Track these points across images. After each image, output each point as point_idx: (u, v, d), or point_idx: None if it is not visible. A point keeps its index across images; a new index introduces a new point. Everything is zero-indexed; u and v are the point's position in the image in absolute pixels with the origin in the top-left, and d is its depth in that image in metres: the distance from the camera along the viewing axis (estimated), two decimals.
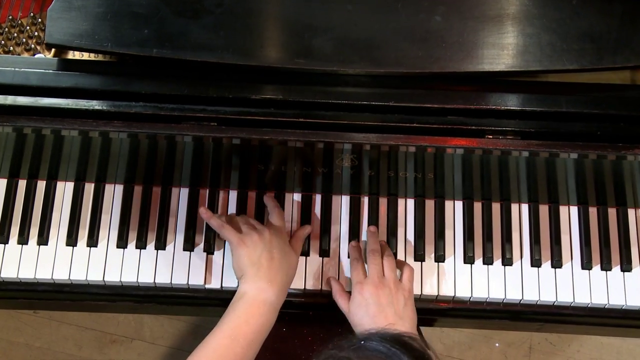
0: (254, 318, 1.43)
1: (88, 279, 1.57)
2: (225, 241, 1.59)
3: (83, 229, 1.60)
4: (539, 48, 1.40)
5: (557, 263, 1.60)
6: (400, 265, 1.58)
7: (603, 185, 1.57)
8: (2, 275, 1.57)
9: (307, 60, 1.39)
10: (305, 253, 1.60)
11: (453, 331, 2.53)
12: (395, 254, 1.59)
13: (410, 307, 1.50)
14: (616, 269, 1.60)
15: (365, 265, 1.55)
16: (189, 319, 2.53)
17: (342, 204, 1.63)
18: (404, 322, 1.46)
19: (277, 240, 1.50)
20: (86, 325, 2.56)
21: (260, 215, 1.61)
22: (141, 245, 1.59)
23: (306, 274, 1.59)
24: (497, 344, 2.55)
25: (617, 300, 1.58)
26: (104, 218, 1.61)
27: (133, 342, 2.54)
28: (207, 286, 1.58)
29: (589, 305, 1.59)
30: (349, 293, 1.54)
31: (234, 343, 1.39)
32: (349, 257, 1.59)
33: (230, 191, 1.63)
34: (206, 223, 1.59)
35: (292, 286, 1.57)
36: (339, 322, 1.69)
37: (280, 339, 1.67)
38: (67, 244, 1.59)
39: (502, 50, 1.40)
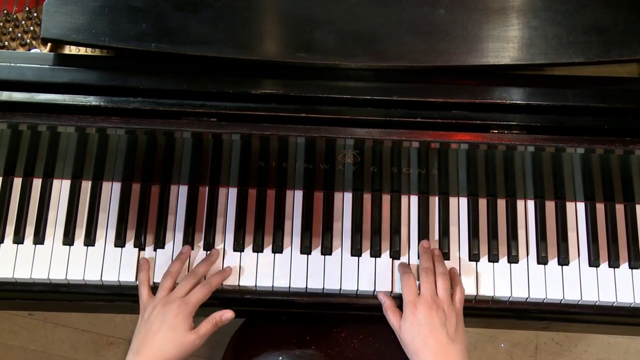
0: None
1: (85, 278, 1.57)
2: (224, 238, 1.60)
3: (80, 227, 1.61)
4: (545, 41, 1.41)
5: (564, 260, 1.60)
6: (453, 284, 1.56)
7: (610, 181, 1.58)
8: None
9: (309, 54, 1.40)
10: (307, 251, 1.60)
11: None
12: (397, 252, 1.59)
13: (462, 330, 1.50)
14: (624, 266, 1.61)
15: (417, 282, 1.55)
16: None
17: (344, 200, 1.63)
18: (455, 345, 1.45)
19: (161, 315, 1.47)
20: (82, 327, 2.57)
21: (261, 215, 1.62)
22: (139, 244, 1.60)
23: (308, 273, 1.59)
24: (502, 345, 2.56)
25: (625, 297, 1.59)
26: (102, 217, 1.62)
27: (130, 344, 2.54)
28: None
29: (596, 303, 1.59)
30: (400, 310, 1.53)
31: None
32: (352, 254, 1.60)
33: (230, 188, 1.64)
34: (206, 220, 1.60)
35: (294, 285, 1.58)
36: (340, 323, 1.71)
37: (280, 339, 1.68)
38: (64, 243, 1.60)
39: (507, 43, 1.41)
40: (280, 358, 1.16)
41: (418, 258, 1.60)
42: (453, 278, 1.58)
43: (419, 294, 1.52)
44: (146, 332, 1.46)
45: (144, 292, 1.54)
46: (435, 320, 1.46)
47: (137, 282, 1.56)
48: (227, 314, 1.52)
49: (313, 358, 1.18)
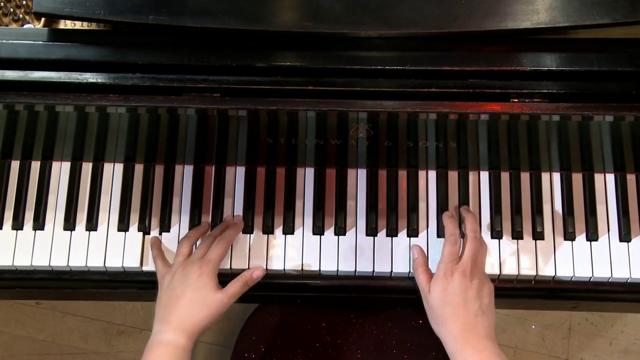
0: None
1: (88, 265, 1.58)
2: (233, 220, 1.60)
3: (81, 212, 1.62)
4: (567, 2, 1.39)
5: (592, 236, 1.59)
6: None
7: None
8: None
9: (315, 22, 1.39)
10: (320, 232, 1.60)
11: None
12: (415, 231, 1.59)
13: (492, 305, 1.48)
14: None
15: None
16: None
17: (358, 177, 1.63)
18: (484, 318, 1.44)
19: (182, 278, 1.48)
20: (92, 316, 2.59)
21: (270, 195, 1.62)
22: (144, 228, 1.60)
23: (321, 255, 1.59)
24: (533, 326, 2.55)
25: None
26: (104, 200, 1.62)
27: (142, 332, 2.56)
28: None
29: (628, 280, 1.58)
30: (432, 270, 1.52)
31: None
32: (367, 234, 1.59)
33: (237, 167, 1.63)
34: (212, 201, 1.60)
35: (307, 268, 1.58)
36: (357, 307, 1.71)
37: (294, 325, 1.68)
38: (65, 229, 1.60)
39: (527, 5, 1.39)
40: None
41: (437, 236, 1.59)
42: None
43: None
44: (169, 299, 1.47)
45: (159, 264, 1.55)
46: (470, 292, 1.45)
47: (152, 260, 1.57)
48: (258, 272, 1.53)
49: None
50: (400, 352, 1.66)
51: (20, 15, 1.51)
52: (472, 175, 1.63)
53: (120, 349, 2.56)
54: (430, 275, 1.50)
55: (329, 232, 1.60)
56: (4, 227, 1.60)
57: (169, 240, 1.60)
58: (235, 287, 1.50)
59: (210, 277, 1.48)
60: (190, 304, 1.45)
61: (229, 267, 1.58)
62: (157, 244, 1.59)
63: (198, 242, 1.58)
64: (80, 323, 2.58)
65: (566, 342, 2.56)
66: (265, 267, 1.58)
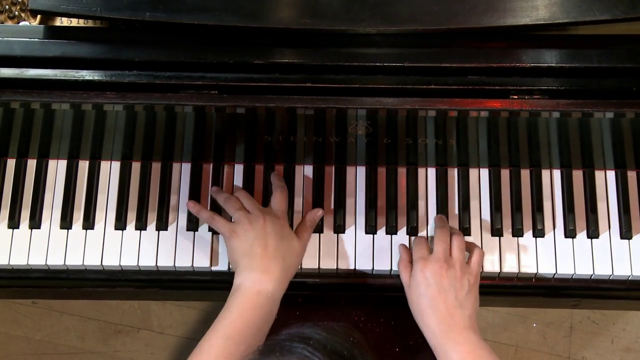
0: (247, 312, 1.43)
1: (85, 263, 1.59)
2: (230, 218, 1.60)
3: (78, 210, 1.62)
4: None
5: (593, 233, 1.60)
6: (470, 247, 1.57)
7: None
8: None
9: (314, 19, 1.39)
10: (319, 229, 1.61)
11: (486, 312, 2.54)
12: (415, 228, 1.60)
13: (474, 295, 1.49)
14: None
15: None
16: (200, 305, 2.55)
17: (357, 175, 1.64)
18: (463, 310, 1.45)
19: (272, 226, 1.50)
20: (89, 316, 2.58)
21: (268, 191, 1.62)
22: (141, 226, 1.61)
23: (320, 253, 1.60)
24: (534, 324, 2.56)
25: None
26: (101, 198, 1.63)
27: (140, 332, 2.56)
28: (213, 268, 1.61)
29: (629, 278, 1.59)
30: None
31: (228, 342, 1.39)
32: (366, 232, 1.60)
33: (235, 165, 1.64)
34: (210, 200, 1.61)
35: (305, 266, 1.58)
36: (356, 304, 1.71)
37: (291, 323, 1.69)
38: (62, 227, 1.61)
39: (526, 2, 1.39)
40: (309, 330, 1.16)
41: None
42: (470, 243, 1.58)
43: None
44: (267, 247, 1.48)
45: (222, 222, 1.54)
46: (444, 281, 1.46)
47: (210, 223, 1.58)
48: (320, 212, 1.59)
49: (341, 329, 1.19)
50: (402, 351, 1.67)
51: (16, 13, 1.52)
52: (472, 173, 1.64)
53: (117, 349, 2.56)
54: (411, 270, 1.52)
55: (328, 230, 1.61)
56: (0, 226, 1.61)
57: (166, 238, 1.61)
58: (307, 234, 1.57)
59: (288, 225, 1.55)
60: (286, 253, 1.49)
61: (227, 267, 1.60)
62: (200, 207, 1.58)
63: None
64: (77, 322, 2.58)
65: (568, 341, 2.56)
66: None
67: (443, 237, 1.53)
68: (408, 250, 1.58)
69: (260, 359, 1.13)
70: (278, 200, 1.56)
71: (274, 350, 1.14)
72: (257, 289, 1.45)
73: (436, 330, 1.44)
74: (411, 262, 1.54)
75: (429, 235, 1.61)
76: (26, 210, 1.61)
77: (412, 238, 1.60)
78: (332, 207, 1.62)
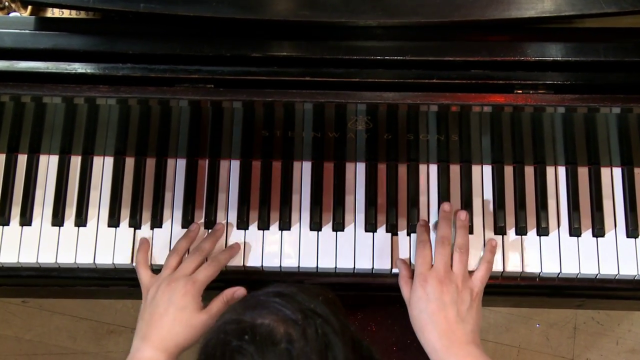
0: None
1: (77, 262, 1.59)
2: (226, 216, 1.61)
3: (70, 207, 1.62)
4: None
5: (599, 231, 1.60)
6: (482, 259, 1.57)
7: None
8: None
9: (313, 11, 1.39)
10: (317, 228, 1.60)
11: (489, 312, 2.54)
12: (416, 226, 1.59)
13: (476, 310, 1.49)
14: None
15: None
16: None
17: (357, 172, 1.63)
18: (464, 325, 1.45)
19: (167, 295, 1.48)
20: (81, 315, 2.59)
21: (266, 190, 1.62)
22: (135, 223, 1.61)
23: (318, 251, 1.60)
24: (537, 325, 2.56)
25: None
26: (93, 194, 1.63)
27: (133, 332, 2.54)
28: None
29: (635, 278, 1.59)
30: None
31: None
32: (366, 230, 1.60)
33: (232, 161, 1.64)
34: (206, 196, 1.61)
35: (303, 265, 1.58)
36: (355, 305, 1.71)
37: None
38: (53, 224, 1.61)
39: None
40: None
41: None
42: (485, 254, 1.57)
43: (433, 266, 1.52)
44: (152, 315, 1.47)
45: (143, 273, 1.55)
46: (445, 297, 1.46)
47: (134, 264, 1.57)
48: (240, 291, 1.53)
49: (315, 289, 1.23)
50: (401, 350, 1.67)
51: (6, 3, 1.51)
52: (474, 170, 1.63)
53: (110, 349, 2.57)
54: (412, 287, 1.52)
55: (327, 228, 1.61)
56: None
57: (161, 236, 1.61)
58: (218, 307, 1.50)
59: (195, 297, 1.49)
60: (173, 323, 1.45)
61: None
62: (145, 248, 1.58)
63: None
64: (69, 322, 2.59)
65: (571, 342, 2.57)
66: (261, 264, 1.59)
67: (444, 251, 1.52)
68: (408, 265, 1.58)
69: (238, 315, 1.15)
70: (204, 270, 1.53)
71: (250, 304, 1.16)
72: (137, 356, 1.45)
73: (437, 345, 1.43)
74: (411, 277, 1.54)
75: (431, 236, 1.60)
76: (16, 207, 1.61)
77: (413, 236, 1.60)
78: (332, 204, 1.61)
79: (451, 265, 1.52)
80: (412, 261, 1.58)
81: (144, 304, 1.50)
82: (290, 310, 1.13)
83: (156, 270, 1.57)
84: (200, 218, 1.61)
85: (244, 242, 1.60)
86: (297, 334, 1.10)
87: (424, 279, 1.49)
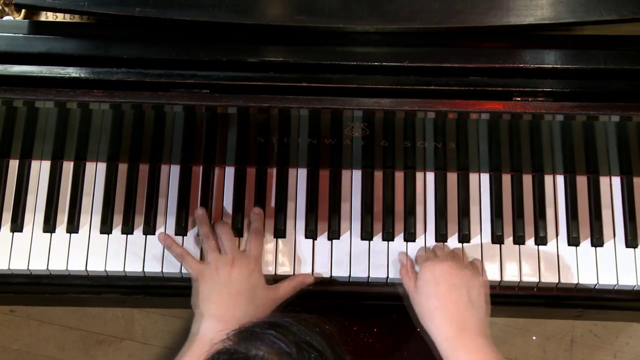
0: None
1: (69, 269, 1.59)
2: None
3: (62, 213, 1.62)
4: None
5: (597, 241, 1.61)
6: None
7: None
8: None
9: (310, 16, 1.40)
10: (313, 236, 1.61)
11: None
12: (412, 235, 1.60)
13: (485, 297, 1.49)
14: None
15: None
16: (185, 315, 2.55)
17: (353, 179, 1.64)
18: (474, 312, 1.45)
19: (239, 273, 1.50)
20: (70, 325, 2.58)
21: (261, 196, 1.63)
22: (128, 230, 1.61)
23: (314, 260, 1.61)
24: (534, 337, 2.57)
25: None
26: (86, 200, 1.63)
27: (123, 342, 2.56)
28: None
29: (635, 288, 1.60)
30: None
31: None
32: (362, 238, 1.61)
33: (226, 167, 1.65)
34: (200, 203, 1.62)
35: (299, 273, 1.59)
36: (351, 315, 1.71)
37: None
38: (45, 231, 1.61)
39: (531, 0, 1.40)
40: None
41: (435, 241, 1.61)
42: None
43: None
44: (221, 295, 1.49)
45: (191, 261, 1.56)
46: (455, 279, 1.46)
47: (179, 261, 1.58)
48: (310, 278, 1.58)
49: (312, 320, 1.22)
50: None
51: (0, 7, 1.52)
52: (472, 178, 1.65)
53: (99, 359, 2.56)
54: (416, 276, 1.52)
55: (322, 237, 1.62)
56: None
57: (154, 243, 1.61)
58: (286, 290, 1.55)
59: (261, 274, 1.54)
60: (247, 303, 1.49)
61: None
62: (171, 241, 1.59)
63: None
64: (57, 332, 2.58)
65: (568, 355, 2.57)
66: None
67: (444, 247, 1.56)
68: (409, 258, 1.58)
69: (232, 346, 1.15)
70: (253, 245, 1.56)
71: (245, 335, 1.17)
72: (210, 337, 1.42)
73: (448, 332, 1.42)
74: (413, 268, 1.55)
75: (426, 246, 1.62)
76: (7, 213, 1.62)
77: (409, 244, 1.61)
78: (327, 212, 1.62)
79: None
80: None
81: (203, 285, 1.51)
82: (285, 342, 1.13)
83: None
84: (194, 225, 1.61)
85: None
86: None
87: (432, 263, 1.49)
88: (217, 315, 1.47)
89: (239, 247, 1.58)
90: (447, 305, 1.44)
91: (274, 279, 1.60)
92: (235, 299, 1.48)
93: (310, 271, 1.60)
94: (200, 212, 1.60)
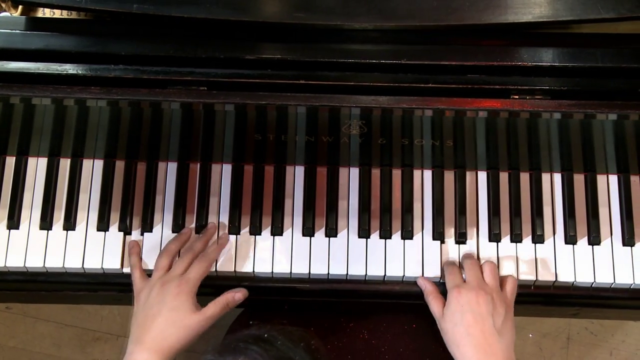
0: None
1: (65, 266, 1.59)
2: (218, 220, 1.62)
3: (59, 210, 1.62)
4: None
5: (594, 239, 1.61)
6: (503, 277, 1.58)
7: None
8: None
9: (308, 14, 1.40)
10: (310, 233, 1.61)
11: None
12: (410, 232, 1.60)
13: (510, 324, 1.49)
14: None
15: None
16: None
17: (350, 176, 1.64)
18: (501, 338, 1.45)
19: (164, 295, 1.48)
20: (66, 322, 2.58)
21: (258, 194, 1.63)
22: (124, 227, 1.61)
23: (311, 257, 1.61)
24: (530, 335, 2.57)
25: None
26: (82, 198, 1.63)
27: (119, 339, 2.56)
28: None
29: (632, 287, 1.60)
30: (443, 297, 1.54)
31: None
32: (359, 236, 1.61)
33: (224, 165, 1.64)
34: (197, 201, 1.61)
35: (295, 271, 1.59)
36: (347, 312, 1.71)
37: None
38: (41, 228, 1.61)
39: None
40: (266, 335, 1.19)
41: (433, 239, 1.61)
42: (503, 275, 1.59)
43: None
44: (145, 318, 1.47)
45: (136, 276, 1.55)
46: (481, 308, 1.46)
47: (129, 267, 1.57)
48: (239, 294, 1.54)
49: (298, 333, 1.22)
50: (393, 358, 1.68)
51: None
52: (469, 176, 1.65)
53: (95, 357, 2.56)
54: (442, 301, 1.53)
55: (320, 234, 1.62)
56: None
57: (151, 240, 1.61)
58: (214, 309, 1.51)
59: (188, 296, 1.49)
60: (166, 324, 1.46)
61: (214, 269, 1.59)
62: (136, 251, 1.59)
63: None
64: (53, 329, 2.58)
65: (565, 352, 2.58)
66: (253, 270, 1.60)
67: (473, 265, 1.55)
68: (431, 281, 1.58)
69: (215, 357, 1.16)
70: (196, 270, 1.53)
71: (229, 348, 1.17)
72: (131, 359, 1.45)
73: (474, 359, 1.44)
74: (439, 292, 1.55)
75: (424, 242, 1.62)
76: (4, 210, 1.61)
77: (407, 242, 1.61)
78: (324, 209, 1.62)
79: (482, 278, 1.53)
80: (407, 273, 1.60)
81: (137, 307, 1.51)
82: (268, 358, 1.13)
83: (148, 274, 1.57)
84: (191, 222, 1.62)
85: (235, 247, 1.61)
86: None
87: (458, 292, 1.49)
88: (137, 337, 1.45)
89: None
90: (473, 334, 1.44)
91: (272, 277, 1.60)
92: (152, 321, 1.46)
93: (307, 269, 1.59)
94: (185, 230, 1.61)
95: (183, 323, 1.46)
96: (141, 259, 1.59)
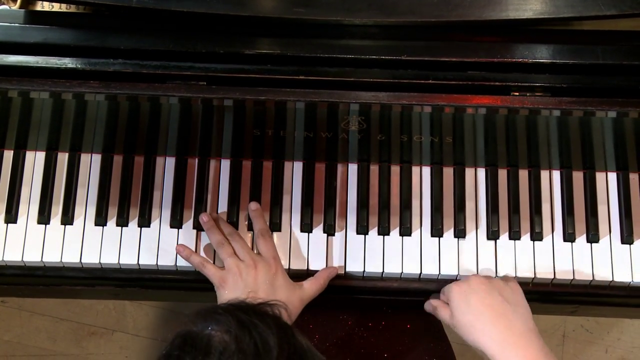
0: None
1: (63, 260, 1.58)
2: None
3: (56, 204, 1.62)
4: None
5: (593, 237, 1.61)
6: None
7: None
8: None
9: (308, 9, 1.40)
10: (308, 229, 1.61)
11: None
12: (408, 229, 1.60)
13: (520, 295, 1.48)
14: None
15: None
16: (177, 307, 2.55)
17: (349, 173, 1.64)
18: (514, 307, 1.44)
19: (264, 276, 1.50)
20: (61, 316, 2.58)
21: (256, 190, 1.62)
22: (122, 222, 1.61)
23: (309, 254, 1.60)
24: None
25: None
26: (80, 192, 1.63)
27: (114, 334, 2.56)
28: None
29: (630, 284, 1.60)
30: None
31: None
32: (357, 232, 1.60)
33: (222, 160, 1.64)
34: (195, 196, 1.61)
35: (294, 267, 1.59)
36: (346, 309, 1.71)
37: None
38: (39, 222, 1.60)
39: None
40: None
41: (431, 236, 1.61)
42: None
43: None
44: (262, 291, 1.48)
45: (212, 268, 1.54)
46: (483, 289, 1.45)
47: (200, 270, 1.56)
48: (334, 271, 1.59)
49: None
50: (391, 356, 1.67)
51: None
52: (468, 172, 1.64)
53: (90, 351, 2.56)
54: (448, 307, 1.51)
55: (318, 230, 1.61)
56: None
57: (149, 235, 1.60)
58: (314, 287, 1.54)
59: (284, 274, 1.53)
60: (287, 301, 1.45)
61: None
62: (188, 251, 1.58)
63: None
64: (49, 323, 2.58)
65: (560, 349, 2.58)
66: None
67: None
68: (433, 298, 1.57)
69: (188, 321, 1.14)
70: (266, 247, 1.55)
71: (200, 316, 1.14)
72: None
73: (493, 333, 1.41)
74: (444, 302, 1.53)
75: (422, 240, 1.61)
76: (1, 204, 1.61)
77: (405, 239, 1.60)
78: (323, 205, 1.62)
79: None
80: (405, 270, 1.60)
81: (228, 294, 1.49)
82: (237, 329, 1.10)
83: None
84: (189, 218, 1.61)
85: None
86: (233, 345, 1.08)
87: (456, 284, 1.49)
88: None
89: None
90: (484, 313, 1.43)
91: None
92: (274, 292, 1.48)
93: (305, 266, 1.59)
94: (205, 217, 1.59)
95: (290, 300, 1.48)
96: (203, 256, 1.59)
